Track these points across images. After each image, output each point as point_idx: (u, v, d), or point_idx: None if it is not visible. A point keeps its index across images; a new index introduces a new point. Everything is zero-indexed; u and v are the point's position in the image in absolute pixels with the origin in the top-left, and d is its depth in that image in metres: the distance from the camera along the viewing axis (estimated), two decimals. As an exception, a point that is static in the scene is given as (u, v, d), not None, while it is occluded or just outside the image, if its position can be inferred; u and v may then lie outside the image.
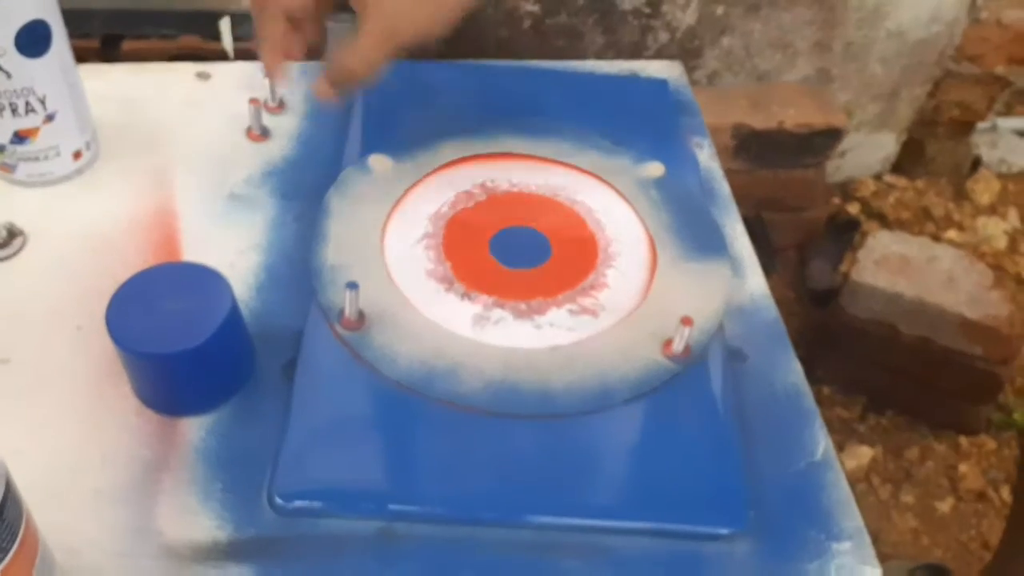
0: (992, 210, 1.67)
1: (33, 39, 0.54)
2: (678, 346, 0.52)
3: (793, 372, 0.54)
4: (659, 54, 1.36)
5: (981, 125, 1.70)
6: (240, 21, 0.81)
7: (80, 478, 0.45)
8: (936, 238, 1.57)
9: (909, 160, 1.69)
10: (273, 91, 0.66)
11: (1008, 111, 1.80)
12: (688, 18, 1.33)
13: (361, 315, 0.51)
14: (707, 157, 0.67)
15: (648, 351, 0.52)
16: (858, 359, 1.36)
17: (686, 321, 0.50)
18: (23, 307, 0.53)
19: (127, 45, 0.83)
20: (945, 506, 1.27)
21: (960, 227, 1.63)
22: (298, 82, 0.70)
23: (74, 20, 0.59)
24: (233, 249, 0.57)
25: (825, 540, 0.46)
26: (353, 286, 0.50)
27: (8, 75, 0.55)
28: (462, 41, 1.33)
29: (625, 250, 0.58)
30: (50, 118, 0.58)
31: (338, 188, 0.59)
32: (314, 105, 0.68)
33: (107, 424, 0.48)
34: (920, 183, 1.69)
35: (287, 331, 0.52)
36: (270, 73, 0.53)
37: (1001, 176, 1.72)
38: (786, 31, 1.40)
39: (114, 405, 0.48)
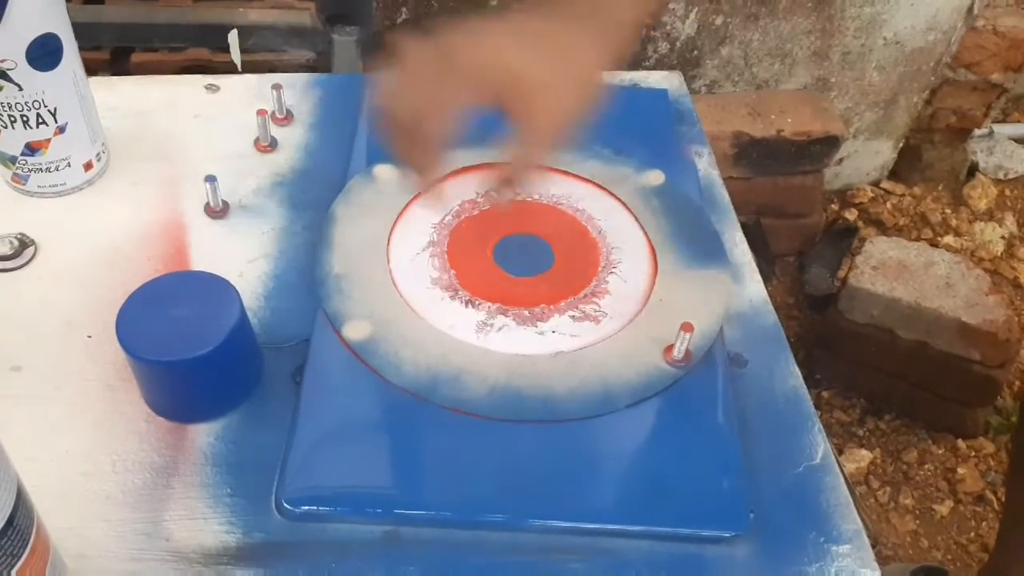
0: (989, 215, 1.67)
1: (44, 52, 0.55)
2: (679, 351, 0.52)
3: (792, 376, 0.54)
4: (659, 64, 1.37)
5: (978, 132, 1.71)
6: (248, 34, 0.82)
7: (91, 484, 0.46)
8: (933, 244, 1.57)
9: (906, 167, 1.70)
10: (280, 102, 0.67)
11: (1005, 118, 1.81)
12: (688, 28, 1.34)
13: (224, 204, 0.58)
14: (706, 165, 0.68)
15: (649, 356, 0.53)
16: (857, 363, 1.37)
17: (686, 327, 0.51)
18: (35, 316, 0.54)
19: (136, 58, 0.83)
20: (944, 509, 1.27)
21: (957, 232, 1.64)
22: (305, 94, 0.70)
23: (84, 33, 0.60)
24: (242, 258, 0.58)
25: (825, 543, 0.47)
26: (211, 179, 0.58)
27: (19, 88, 0.56)
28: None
29: (626, 257, 0.59)
30: (61, 130, 0.59)
31: (344, 197, 0.60)
32: (321, 116, 0.69)
33: (117, 430, 0.48)
34: (917, 189, 1.70)
35: (295, 338, 0.53)
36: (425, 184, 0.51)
37: (998, 182, 1.73)
38: (784, 40, 1.41)
39: (124, 412, 0.49)
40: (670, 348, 0.53)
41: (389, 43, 0.47)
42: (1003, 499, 1.28)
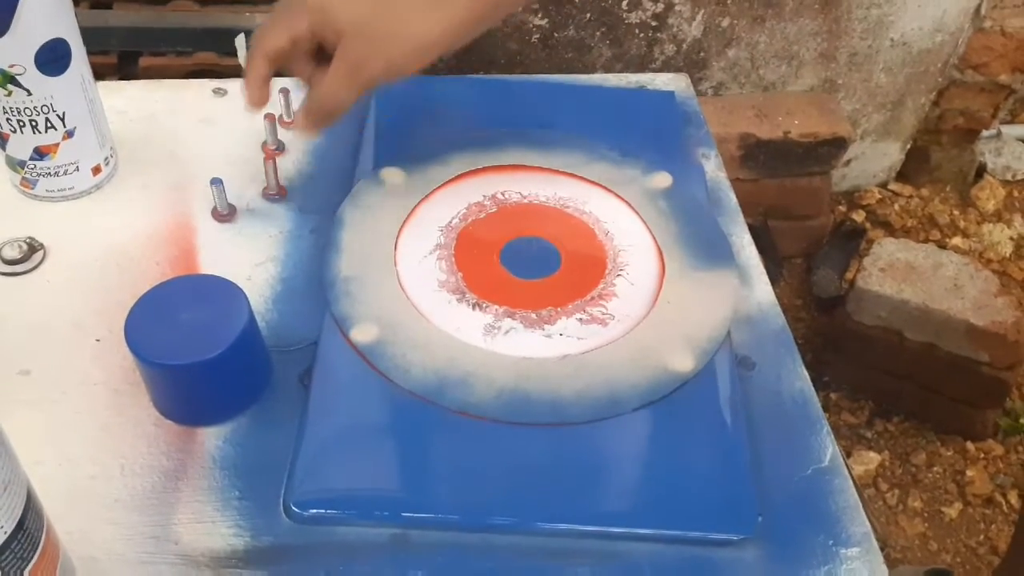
0: (997, 217, 1.67)
1: (53, 57, 0.56)
2: (686, 354, 0.52)
3: (800, 379, 0.54)
4: (666, 66, 1.37)
5: (986, 133, 1.71)
6: (255, 38, 0.82)
7: (99, 487, 0.46)
8: (941, 245, 1.57)
9: (914, 168, 1.70)
10: (288, 106, 0.67)
11: (1012, 119, 1.80)
12: (694, 31, 1.34)
13: (232, 208, 0.59)
14: (713, 167, 0.68)
15: (657, 359, 0.52)
16: (865, 365, 1.37)
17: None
18: (43, 320, 0.54)
19: (144, 62, 0.84)
20: (953, 511, 1.27)
21: (965, 234, 1.63)
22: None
23: (92, 38, 0.60)
24: (250, 262, 0.58)
25: (833, 545, 0.47)
26: (218, 183, 0.59)
27: (28, 93, 0.56)
28: (472, 55, 1.35)
29: (633, 260, 0.59)
30: (69, 134, 0.59)
31: (351, 201, 0.60)
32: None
33: (126, 434, 0.49)
34: (925, 191, 1.70)
35: (303, 341, 0.53)
36: (251, 105, 0.55)
37: (1006, 183, 1.73)
38: (791, 42, 1.41)
39: (133, 415, 0.49)
40: (678, 351, 0.52)
41: None
42: (1013, 502, 1.28)
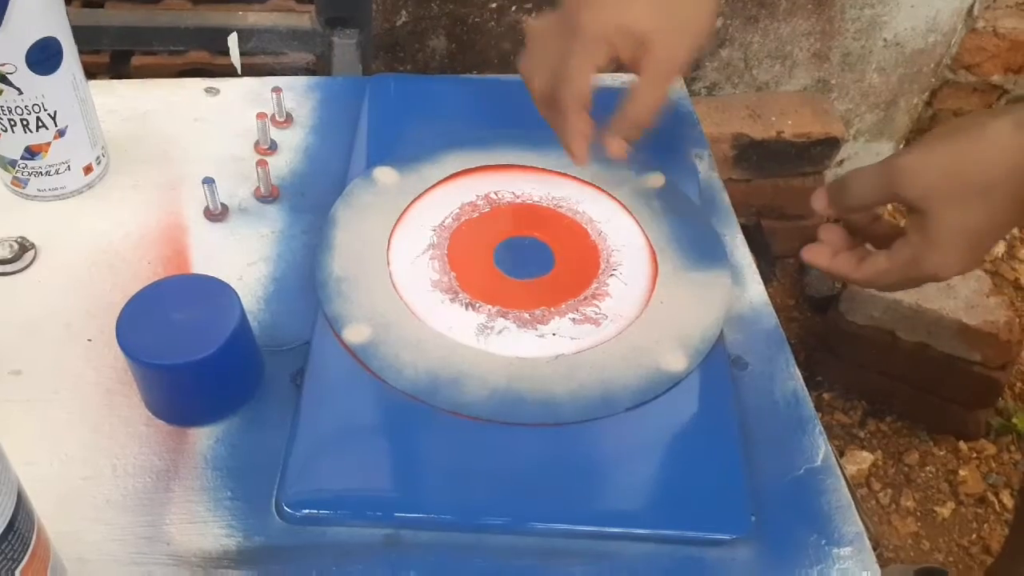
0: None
1: (44, 56, 0.55)
2: (679, 354, 0.52)
3: (793, 379, 0.54)
4: (659, 65, 1.37)
5: (978, 133, 1.71)
6: (248, 37, 0.82)
7: (91, 487, 0.46)
8: (935, 245, 1.57)
9: (907, 168, 1.70)
10: (280, 105, 0.67)
11: (1005, 119, 1.80)
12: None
13: (224, 207, 0.59)
14: (707, 168, 0.68)
15: (650, 359, 0.53)
16: (858, 365, 1.37)
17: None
18: (34, 320, 0.54)
19: (136, 61, 0.83)
20: (945, 510, 1.27)
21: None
22: (304, 96, 0.70)
23: (84, 36, 0.60)
24: (242, 261, 0.58)
25: (826, 545, 0.47)
26: (210, 182, 0.58)
27: (19, 91, 0.56)
28: (465, 55, 1.35)
29: (627, 260, 0.59)
30: (61, 133, 0.59)
31: (344, 200, 0.60)
32: (320, 119, 0.69)
33: (117, 434, 0.48)
34: (918, 191, 1.70)
35: (295, 341, 0.53)
36: (581, 160, 0.55)
37: (999, 183, 1.73)
38: (784, 42, 1.41)
39: (124, 415, 0.49)
40: (671, 350, 0.53)
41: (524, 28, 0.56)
42: (1006, 501, 1.28)
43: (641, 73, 0.53)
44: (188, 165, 0.64)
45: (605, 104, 0.71)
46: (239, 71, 0.82)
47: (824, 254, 0.53)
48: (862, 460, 1.31)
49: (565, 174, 0.64)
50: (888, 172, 0.48)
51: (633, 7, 0.52)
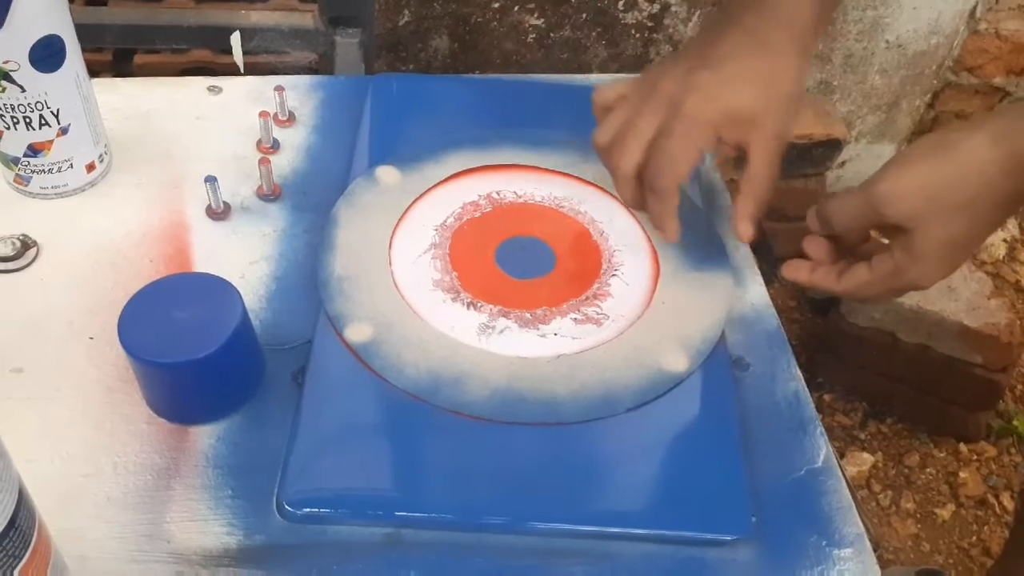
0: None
1: (47, 54, 0.55)
2: (681, 355, 0.52)
3: (794, 380, 0.54)
4: (661, 66, 1.37)
5: (980, 135, 1.71)
6: (250, 36, 0.82)
7: (92, 485, 0.46)
8: (936, 247, 1.57)
9: (909, 170, 1.70)
10: (283, 104, 0.67)
11: (1007, 121, 1.80)
12: (690, 31, 1.34)
13: (226, 206, 0.59)
14: (708, 169, 0.68)
15: (651, 360, 0.53)
16: (858, 367, 1.37)
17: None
18: (36, 317, 0.54)
19: (139, 59, 0.83)
20: (946, 512, 1.27)
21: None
22: (307, 95, 0.70)
23: (87, 34, 0.60)
24: (244, 260, 0.58)
25: (826, 546, 0.47)
26: (212, 180, 0.58)
27: (22, 89, 0.56)
28: (468, 55, 1.35)
29: (628, 260, 0.59)
30: (64, 131, 0.59)
31: (346, 199, 0.60)
32: (323, 118, 0.69)
33: (119, 432, 0.48)
34: (920, 192, 1.70)
35: (297, 340, 0.53)
36: (674, 238, 0.55)
37: (1000, 185, 1.73)
38: (786, 42, 1.40)
39: (126, 413, 0.49)
40: (672, 351, 0.53)
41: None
42: (1006, 503, 1.28)
43: (752, 153, 0.54)
44: (190, 163, 0.64)
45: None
46: (242, 70, 0.82)
47: (804, 269, 0.54)
48: (862, 461, 1.31)
49: (567, 174, 0.64)
50: (869, 199, 0.49)
51: (739, 91, 0.52)
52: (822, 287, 0.53)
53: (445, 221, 0.60)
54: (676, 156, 0.52)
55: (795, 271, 0.54)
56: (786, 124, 0.54)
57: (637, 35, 1.32)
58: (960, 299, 1.27)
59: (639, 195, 0.55)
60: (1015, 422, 1.36)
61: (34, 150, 0.59)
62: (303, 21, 0.86)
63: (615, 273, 0.58)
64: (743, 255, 0.62)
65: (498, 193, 0.62)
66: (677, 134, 0.52)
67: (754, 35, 0.53)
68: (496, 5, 1.22)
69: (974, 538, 1.25)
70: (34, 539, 0.37)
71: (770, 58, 0.53)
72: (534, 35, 1.27)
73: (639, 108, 0.54)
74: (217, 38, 0.82)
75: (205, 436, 0.49)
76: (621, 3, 1.28)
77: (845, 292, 0.52)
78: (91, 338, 0.53)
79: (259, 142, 0.66)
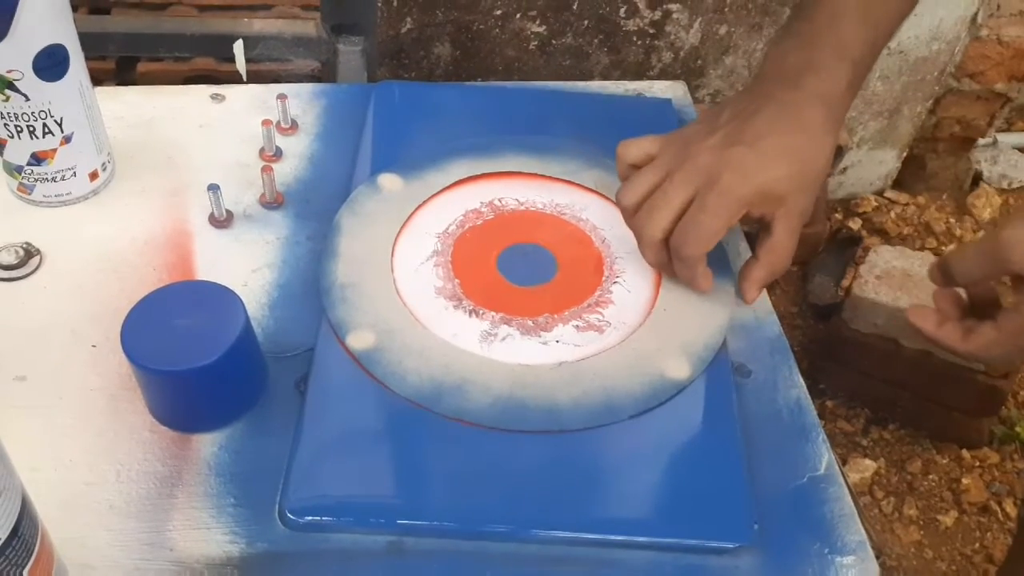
0: (993, 225, 1.67)
1: (51, 63, 0.56)
2: (683, 361, 0.52)
3: (796, 387, 0.54)
4: (663, 73, 1.37)
5: (982, 141, 1.71)
6: (253, 44, 0.82)
7: (94, 493, 0.46)
8: (937, 253, 1.57)
9: (910, 176, 1.70)
10: (285, 112, 0.67)
11: (1008, 127, 1.81)
12: (691, 38, 1.34)
13: (228, 214, 0.59)
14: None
15: (653, 367, 0.53)
16: (861, 373, 1.37)
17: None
18: (40, 325, 0.54)
19: (142, 67, 0.84)
20: (948, 519, 1.27)
21: (961, 242, 1.63)
22: (309, 104, 0.71)
23: (90, 43, 0.60)
24: (246, 268, 0.58)
25: (829, 553, 0.47)
26: (215, 188, 0.58)
27: (26, 98, 0.56)
28: (470, 62, 1.35)
29: (630, 267, 0.59)
30: (67, 140, 0.59)
31: (348, 207, 0.60)
32: (325, 126, 0.69)
33: (121, 440, 0.49)
34: (921, 199, 1.70)
35: (299, 348, 0.53)
36: (704, 289, 0.56)
37: (1002, 191, 1.73)
38: (787, 49, 1.41)
39: (128, 421, 0.49)
40: (674, 358, 0.53)
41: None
42: (1009, 510, 1.28)
43: (776, 227, 0.55)
44: (193, 172, 0.64)
45: (604, 111, 0.72)
46: (244, 78, 0.83)
47: (931, 319, 0.52)
48: (865, 468, 1.31)
49: (568, 181, 0.64)
50: (995, 248, 0.47)
51: (775, 170, 0.53)
52: (945, 345, 0.51)
53: (447, 228, 0.60)
54: (707, 229, 0.52)
55: (923, 320, 0.52)
56: (811, 201, 0.55)
57: (639, 42, 1.33)
58: (962, 305, 1.27)
59: (665, 258, 0.55)
60: (1018, 428, 1.36)
61: (38, 159, 0.59)
62: (306, 29, 0.86)
63: (617, 280, 0.58)
64: (745, 262, 0.62)
65: (500, 200, 0.62)
66: (711, 209, 0.52)
67: (790, 111, 0.54)
68: (498, 12, 1.22)
69: (977, 545, 1.25)
70: (37, 547, 0.37)
71: (806, 135, 0.54)
72: (536, 42, 1.28)
73: (671, 175, 0.54)
74: (220, 46, 0.83)
75: (208, 444, 0.49)
76: (623, 10, 1.28)
77: (968, 353, 0.50)
78: (94, 346, 0.53)
79: (262, 150, 0.66)
